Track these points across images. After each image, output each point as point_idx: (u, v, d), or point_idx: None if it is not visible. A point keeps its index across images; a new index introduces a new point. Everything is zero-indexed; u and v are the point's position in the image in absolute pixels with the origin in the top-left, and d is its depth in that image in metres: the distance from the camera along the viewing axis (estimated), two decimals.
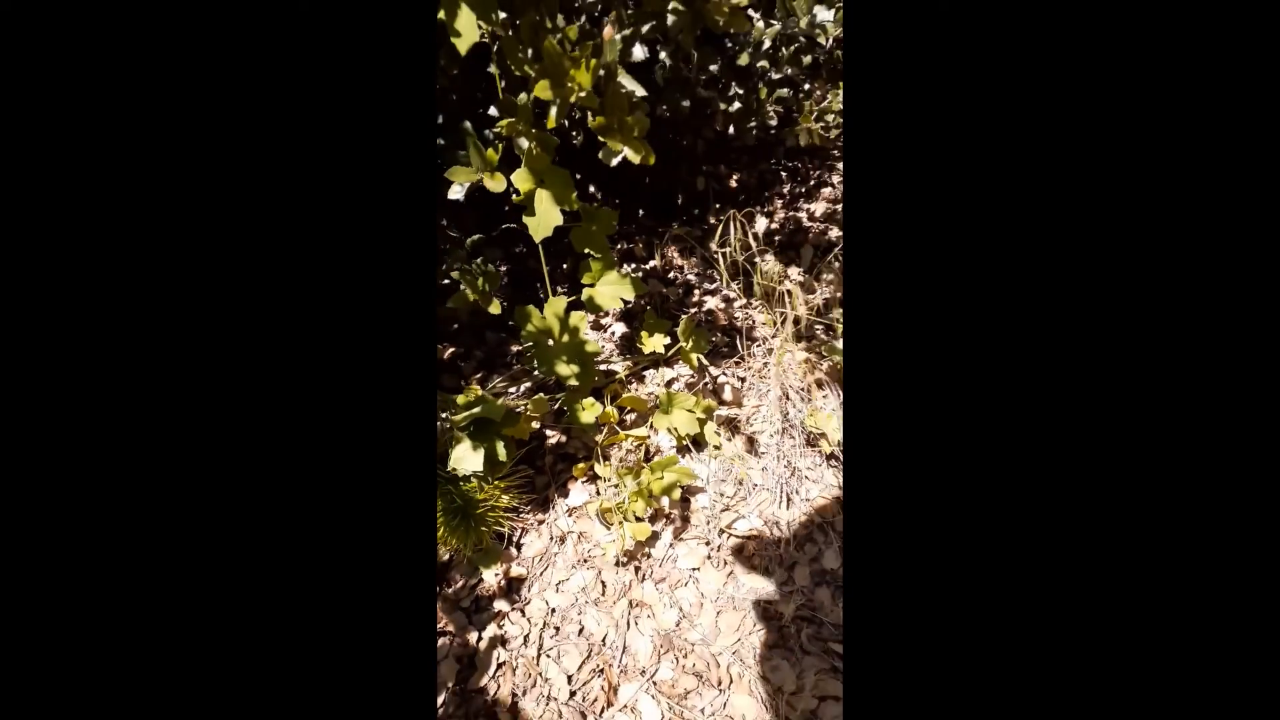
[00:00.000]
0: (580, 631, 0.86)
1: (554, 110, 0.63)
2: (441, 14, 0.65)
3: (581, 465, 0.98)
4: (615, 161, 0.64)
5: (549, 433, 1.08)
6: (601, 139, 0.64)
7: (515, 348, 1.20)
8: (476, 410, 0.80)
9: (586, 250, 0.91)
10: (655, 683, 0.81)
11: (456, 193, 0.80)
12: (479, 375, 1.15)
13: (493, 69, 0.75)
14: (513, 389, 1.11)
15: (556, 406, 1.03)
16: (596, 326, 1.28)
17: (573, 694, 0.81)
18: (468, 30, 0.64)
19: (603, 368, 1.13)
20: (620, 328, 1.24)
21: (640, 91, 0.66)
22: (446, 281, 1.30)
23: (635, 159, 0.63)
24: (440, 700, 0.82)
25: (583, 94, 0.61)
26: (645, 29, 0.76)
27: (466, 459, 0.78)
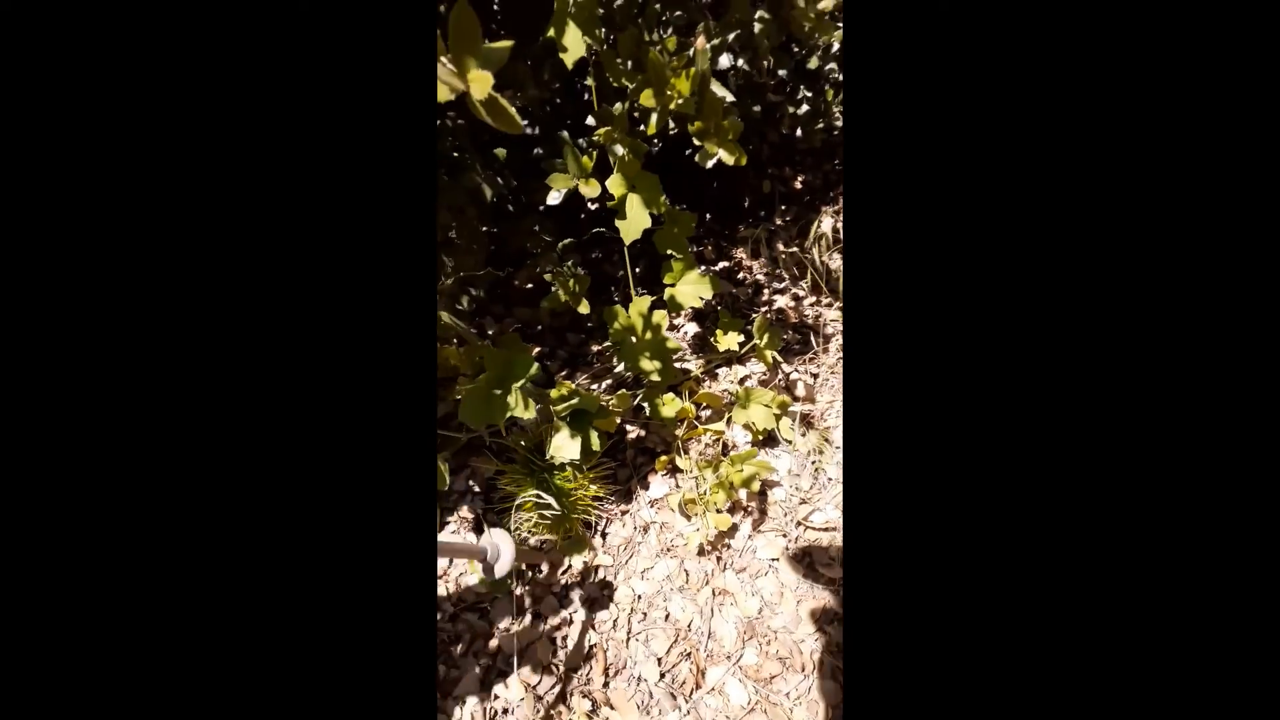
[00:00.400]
0: (666, 617, 0.90)
1: (654, 117, 0.67)
2: (550, 31, 0.71)
3: (663, 458, 1.02)
4: (711, 164, 0.67)
5: (629, 428, 1.12)
6: (698, 142, 0.68)
7: (595, 347, 1.25)
8: (574, 402, 0.85)
9: (669, 251, 0.95)
10: (741, 667, 0.83)
11: (554, 198, 0.85)
12: (563, 373, 1.20)
13: (589, 81, 0.81)
14: (594, 386, 1.16)
15: (636, 402, 1.07)
16: (670, 327, 1.32)
17: (662, 675, 0.84)
18: (574, 45, 0.69)
19: (678, 366, 1.16)
20: (693, 328, 1.28)
21: (730, 97, 0.70)
22: (530, 285, 1.37)
23: (730, 160, 0.67)
24: (536, 680, 0.87)
25: (680, 101, 0.66)
26: (731, 38, 0.80)
27: (565, 447, 0.83)
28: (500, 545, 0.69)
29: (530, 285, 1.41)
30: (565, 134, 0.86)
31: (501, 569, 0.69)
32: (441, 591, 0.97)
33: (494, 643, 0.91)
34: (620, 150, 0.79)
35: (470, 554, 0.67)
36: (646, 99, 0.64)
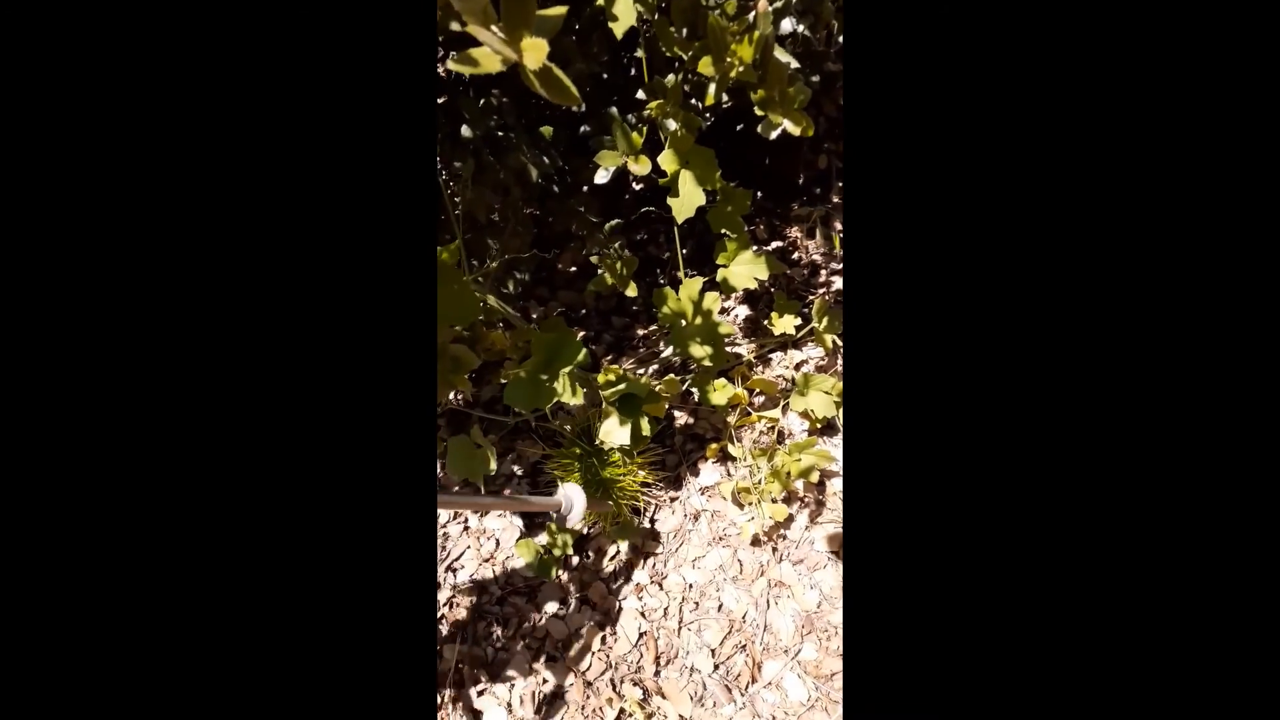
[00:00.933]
0: (719, 608, 0.88)
1: (713, 87, 0.63)
2: (599, 0, 0.67)
3: (714, 446, 0.99)
4: (775, 135, 0.63)
5: (677, 413, 1.10)
6: (760, 112, 0.64)
7: (641, 331, 1.23)
8: (622, 387, 0.83)
9: (722, 230, 0.91)
10: (800, 662, 0.81)
11: (602, 177, 0.82)
12: (609, 358, 1.18)
13: (639, 53, 0.77)
14: (640, 371, 1.13)
15: (685, 388, 1.04)
16: (720, 311, 1.28)
17: (716, 667, 0.82)
18: (625, 14, 0.65)
19: (729, 350, 1.13)
20: (744, 310, 1.23)
21: (794, 64, 0.65)
22: (574, 269, 1.35)
23: (796, 130, 0.63)
24: (585, 665, 0.86)
25: (741, 69, 0.61)
26: (794, 0, 0.75)
27: (615, 433, 0.81)
28: (573, 497, 0.77)
29: (574, 268, 1.40)
30: (614, 109, 0.82)
31: (575, 519, 0.77)
32: (489, 574, 0.98)
33: (542, 626, 0.91)
34: (672, 125, 0.75)
35: (547, 507, 0.74)
36: (705, 66, 0.60)
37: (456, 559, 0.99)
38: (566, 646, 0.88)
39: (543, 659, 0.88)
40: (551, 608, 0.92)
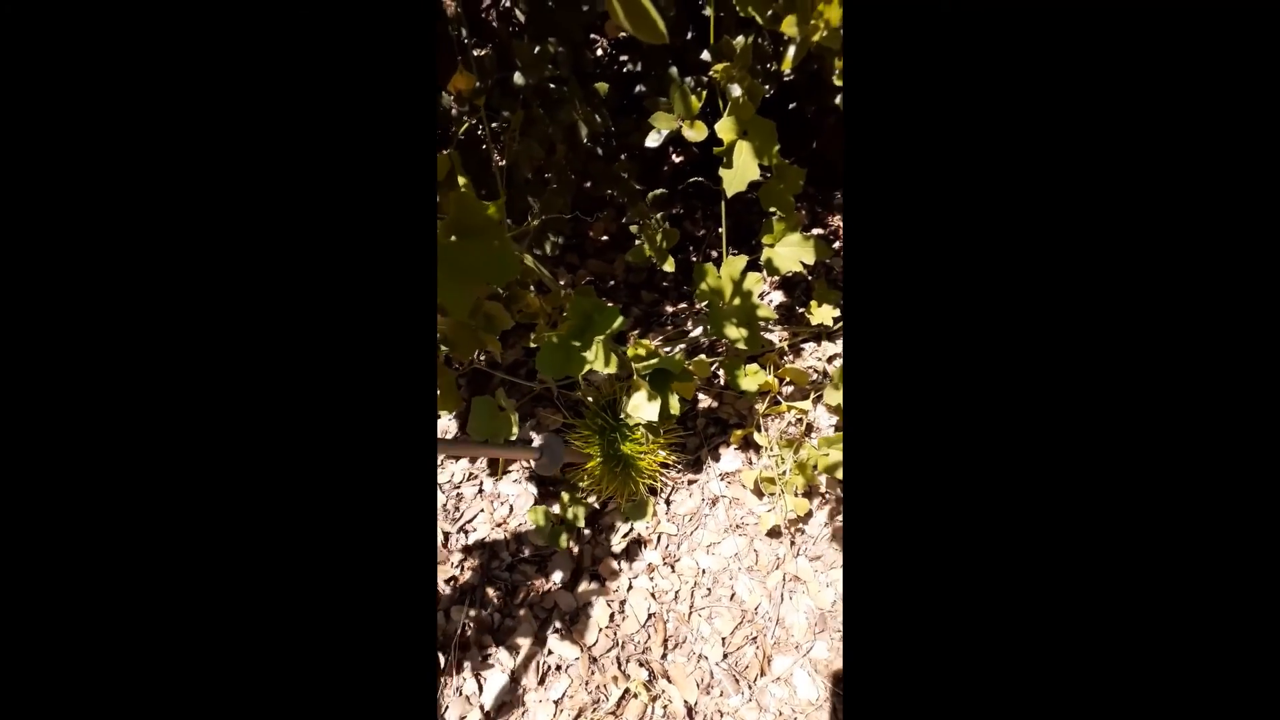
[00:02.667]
0: (732, 597, 0.86)
1: (793, 50, 0.59)
2: None
3: (738, 432, 0.97)
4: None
5: (701, 396, 1.07)
6: (840, 83, 0.60)
7: (670, 308, 1.20)
8: (655, 362, 0.80)
9: (771, 209, 0.87)
10: (811, 659, 0.79)
11: (653, 140, 0.78)
12: (635, 332, 1.15)
13: (707, 11, 0.72)
14: (666, 349, 1.10)
15: (713, 370, 1.02)
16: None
17: (725, 656, 0.80)
18: None
19: (763, 335, 1.09)
20: (779, 296, 1.20)
21: None
22: (605, 238, 1.31)
23: None
24: (591, 640, 0.85)
25: (826, 33, 0.57)
26: None
27: (643, 408, 0.78)
28: (552, 444, 0.81)
29: (605, 237, 1.36)
30: (674, 70, 0.78)
31: (550, 467, 0.81)
32: (499, 536, 0.96)
33: (550, 596, 0.89)
34: (736, 91, 0.71)
35: (525, 455, 0.80)
36: (789, 26, 0.55)
37: (469, 521, 0.97)
38: (574, 620, 0.87)
39: (550, 630, 0.86)
40: (560, 579, 0.90)
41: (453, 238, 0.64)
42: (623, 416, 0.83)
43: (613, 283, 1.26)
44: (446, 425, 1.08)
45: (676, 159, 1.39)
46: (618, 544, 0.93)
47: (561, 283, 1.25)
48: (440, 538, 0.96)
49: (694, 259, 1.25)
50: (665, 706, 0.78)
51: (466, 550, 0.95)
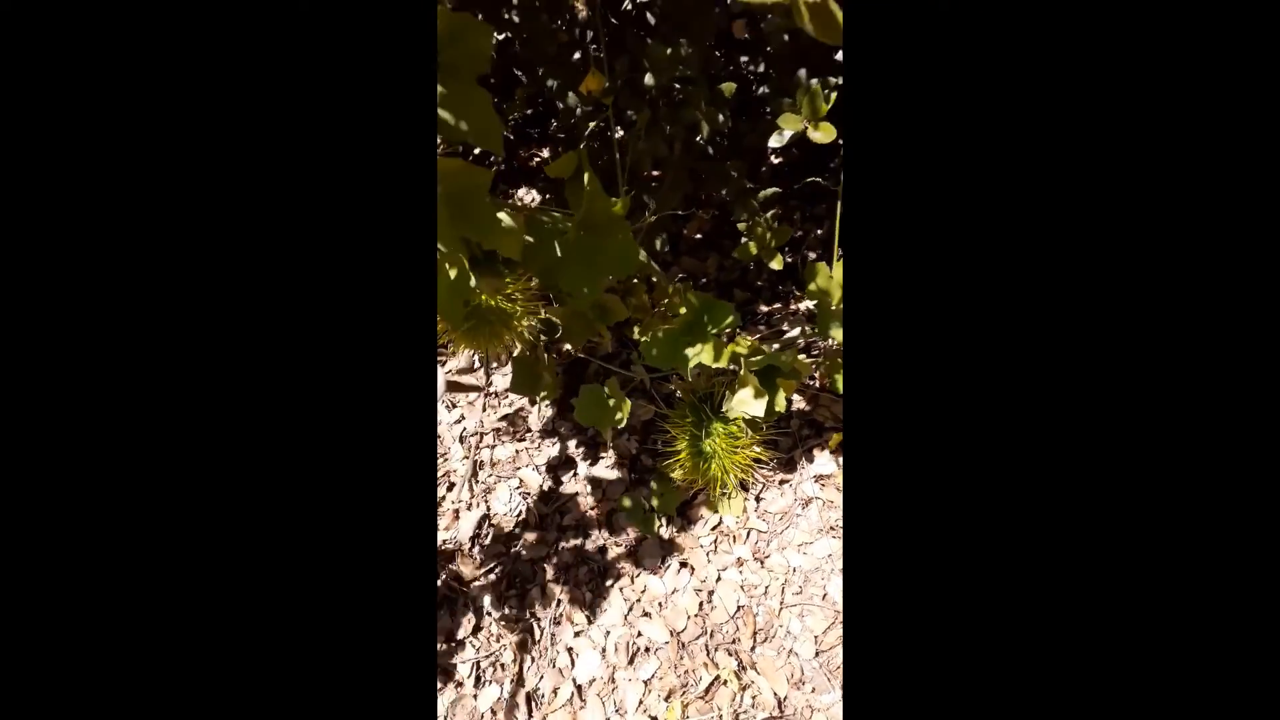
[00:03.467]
0: (824, 597, 0.86)
1: None
2: None
3: (836, 436, 0.96)
4: None
5: (796, 397, 1.07)
6: None
7: (764, 308, 1.20)
8: (761, 358, 0.81)
9: None
10: None
11: (776, 141, 0.79)
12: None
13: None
14: (762, 349, 1.11)
15: (812, 372, 1.02)
16: None
17: (817, 654, 0.81)
18: None
19: None
20: None
21: None
22: (699, 236, 1.33)
23: None
24: (681, 626, 0.87)
25: None
26: None
27: (749, 403, 0.80)
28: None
29: (699, 235, 1.37)
30: (803, 72, 0.79)
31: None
32: (593, 515, 1.00)
33: (640, 580, 0.92)
34: None
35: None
36: None
37: (566, 502, 1.02)
38: (663, 605, 0.89)
39: (638, 613, 0.89)
40: (651, 564, 0.93)
41: (581, 232, 0.67)
42: (724, 410, 0.85)
43: (705, 280, 1.28)
44: (545, 412, 1.13)
45: (775, 160, 1.39)
46: (706, 536, 0.95)
47: (654, 279, 1.28)
48: (537, 518, 1.01)
49: (789, 260, 1.25)
50: (755, 697, 0.79)
51: (562, 529, 0.99)
